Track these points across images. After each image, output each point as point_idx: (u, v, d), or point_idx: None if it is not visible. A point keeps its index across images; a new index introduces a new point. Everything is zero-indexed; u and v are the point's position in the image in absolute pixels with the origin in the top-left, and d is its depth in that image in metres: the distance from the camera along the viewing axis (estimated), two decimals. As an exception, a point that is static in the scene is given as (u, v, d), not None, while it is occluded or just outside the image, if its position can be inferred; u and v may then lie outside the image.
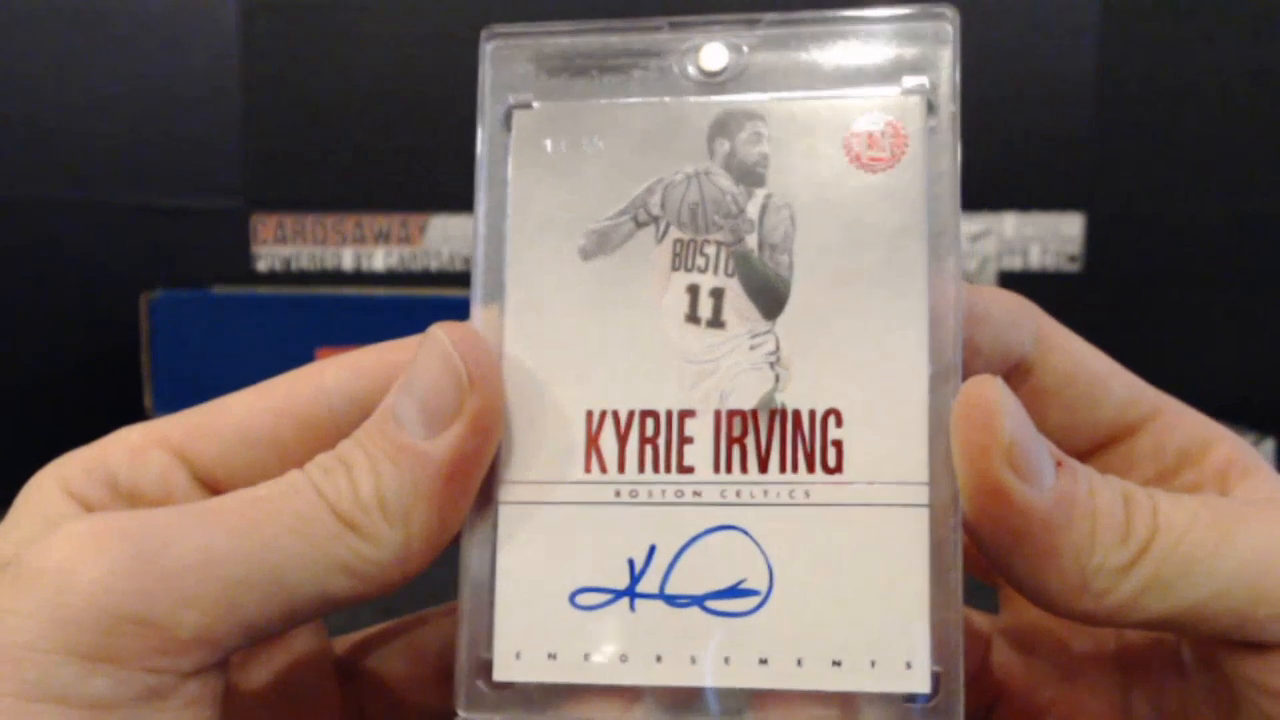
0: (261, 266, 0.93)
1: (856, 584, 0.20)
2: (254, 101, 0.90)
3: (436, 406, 0.20)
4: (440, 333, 0.20)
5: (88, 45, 0.89)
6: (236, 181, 0.91)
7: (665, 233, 0.22)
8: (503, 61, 0.22)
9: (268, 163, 0.91)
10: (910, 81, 0.21)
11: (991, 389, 0.19)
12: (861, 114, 0.21)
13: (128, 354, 0.83)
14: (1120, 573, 0.19)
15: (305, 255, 0.93)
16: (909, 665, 0.20)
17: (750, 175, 0.22)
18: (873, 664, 0.20)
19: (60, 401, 0.88)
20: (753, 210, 0.22)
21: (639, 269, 0.22)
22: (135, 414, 0.83)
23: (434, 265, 0.92)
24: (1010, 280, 0.90)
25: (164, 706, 0.19)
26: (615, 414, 0.21)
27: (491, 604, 0.21)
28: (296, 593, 0.19)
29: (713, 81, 0.22)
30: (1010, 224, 0.90)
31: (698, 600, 0.21)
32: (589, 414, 0.21)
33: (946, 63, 0.21)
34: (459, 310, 0.22)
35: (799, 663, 0.20)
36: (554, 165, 0.22)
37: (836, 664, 0.20)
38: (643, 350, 0.21)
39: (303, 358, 0.24)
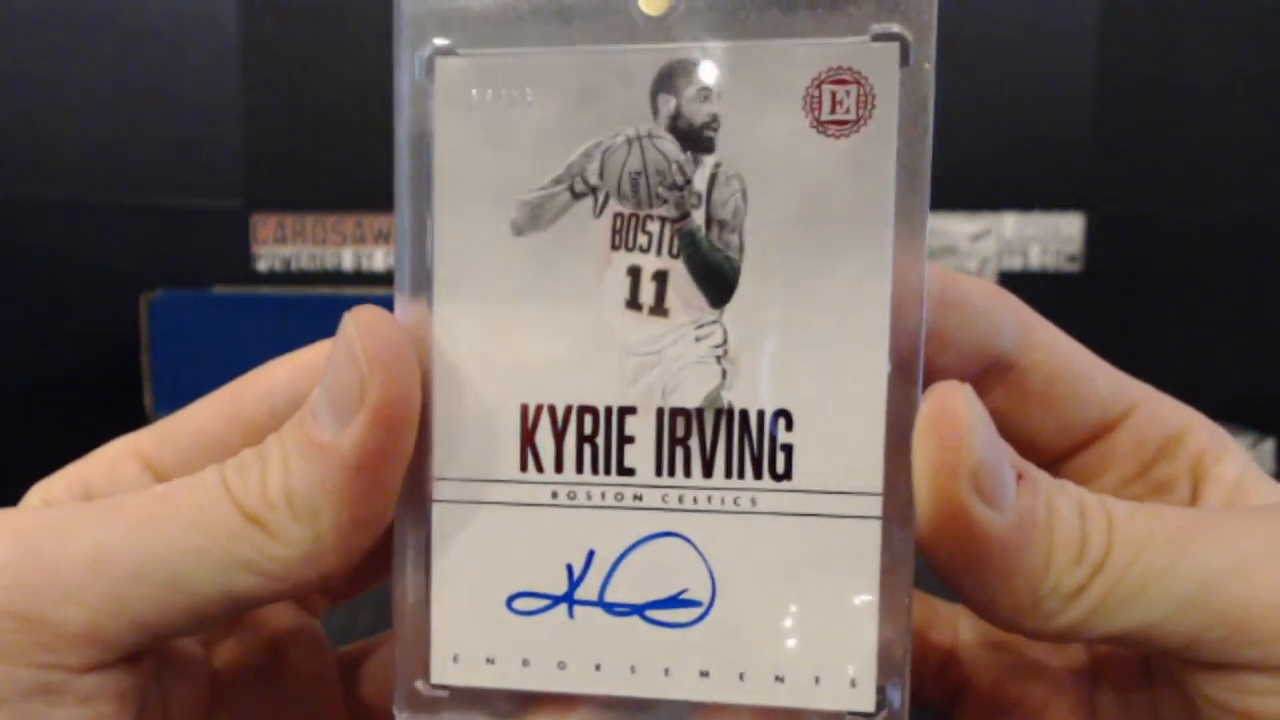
0: (261, 266, 0.93)
1: (802, 598, 0.19)
2: (254, 101, 0.91)
3: (342, 399, 0.19)
4: (349, 319, 0.19)
5: (88, 46, 0.89)
6: (236, 181, 0.91)
7: (604, 206, 0.20)
8: None
9: (268, 163, 0.92)
10: (880, 28, 0.18)
11: (960, 401, 0.18)
12: (824, 66, 0.19)
13: (128, 354, 0.83)
14: (1072, 596, 0.19)
15: (305, 255, 0.93)
16: (854, 683, 0.19)
17: (698, 139, 0.19)
18: (816, 680, 0.19)
19: (61, 402, 0.88)
20: (700, 182, 0.19)
21: (576, 247, 0.20)
22: (135, 414, 0.83)
23: (434, 265, 0.92)
24: (1010, 280, 0.90)
25: (59, 702, 0.18)
26: (552, 409, 0.20)
27: (428, 605, 0.20)
28: (199, 591, 0.19)
29: (657, 26, 0.19)
30: (1010, 224, 0.90)
31: (637, 609, 0.20)
32: (524, 408, 0.20)
33: (923, 7, 0.18)
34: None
35: (741, 676, 0.20)
36: (482, 123, 0.20)
37: (779, 679, 0.19)
38: (580, 340, 0.20)
39: (303, 358, 0.24)
